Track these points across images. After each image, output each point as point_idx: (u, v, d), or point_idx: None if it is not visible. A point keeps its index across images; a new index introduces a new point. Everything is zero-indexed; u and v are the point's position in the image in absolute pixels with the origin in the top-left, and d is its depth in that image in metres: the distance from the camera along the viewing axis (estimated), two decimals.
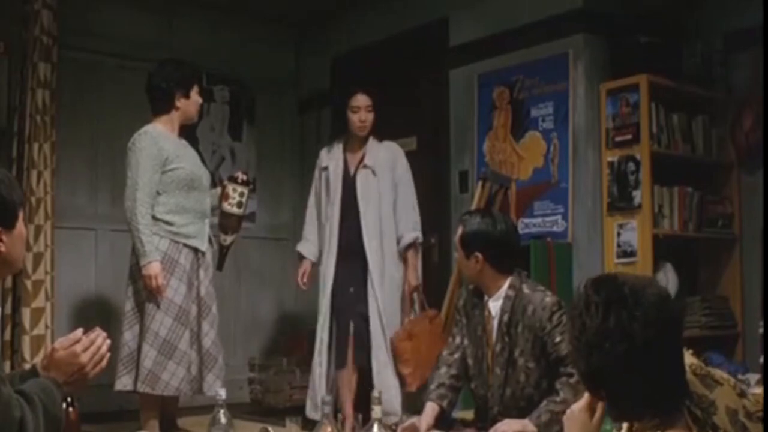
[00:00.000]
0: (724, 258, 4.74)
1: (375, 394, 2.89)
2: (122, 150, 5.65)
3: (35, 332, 4.90)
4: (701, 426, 1.74)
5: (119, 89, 5.68)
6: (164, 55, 5.81)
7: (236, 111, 6.29)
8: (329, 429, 2.70)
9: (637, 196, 4.35)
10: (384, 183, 4.47)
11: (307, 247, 4.63)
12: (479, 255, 3.26)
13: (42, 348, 4.87)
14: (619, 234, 4.40)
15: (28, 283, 4.87)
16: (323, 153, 4.65)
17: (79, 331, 2.12)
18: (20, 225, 2.11)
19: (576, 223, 4.65)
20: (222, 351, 4.34)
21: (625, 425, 1.92)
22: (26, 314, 4.90)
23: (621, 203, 4.41)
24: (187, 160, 4.29)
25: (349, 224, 4.44)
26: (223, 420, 2.75)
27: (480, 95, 5.18)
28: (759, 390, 2.15)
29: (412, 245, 4.50)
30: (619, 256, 4.38)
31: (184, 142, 4.41)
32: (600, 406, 1.90)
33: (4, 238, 2.05)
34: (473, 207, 4.67)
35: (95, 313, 5.50)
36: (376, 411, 2.85)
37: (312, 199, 4.67)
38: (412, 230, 4.50)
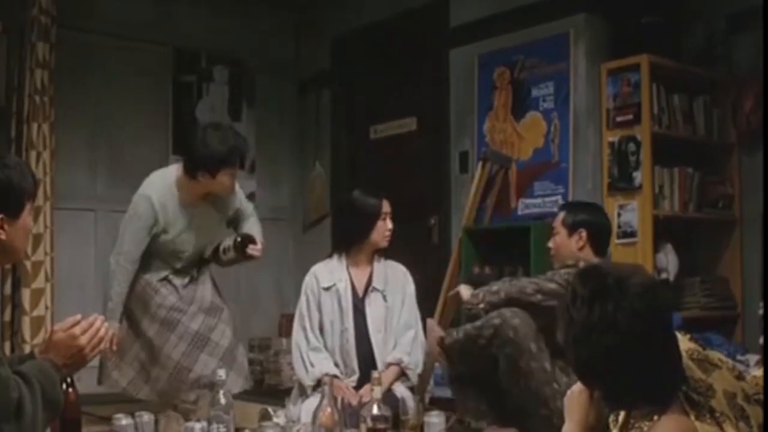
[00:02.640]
0: (724, 239, 4.73)
1: (375, 375, 2.90)
2: (121, 131, 5.69)
3: (35, 313, 4.92)
4: (699, 410, 1.75)
5: (118, 70, 5.67)
6: (164, 36, 5.84)
7: (236, 92, 6.27)
8: (329, 410, 2.71)
9: (638, 176, 4.33)
10: (394, 309, 3.81)
11: (327, 366, 3.68)
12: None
13: (42, 329, 4.89)
14: (619, 215, 4.39)
15: (28, 264, 4.88)
16: (320, 269, 3.85)
17: (78, 315, 2.13)
18: (26, 216, 2.09)
19: None
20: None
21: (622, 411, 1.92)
22: (26, 295, 4.92)
23: (621, 184, 4.40)
24: (185, 229, 3.82)
25: (363, 353, 3.74)
26: (222, 401, 2.76)
27: (480, 75, 5.16)
28: (758, 372, 2.14)
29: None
30: (619, 237, 4.37)
31: (198, 208, 3.83)
32: None
33: (6, 226, 2.03)
34: (473, 187, 4.67)
35: (94, 293, 5.49)
36: (377, 391, 2.86)
37: (306, 322, 3.78)
38: (407, 355, 3.75)
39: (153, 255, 3.84)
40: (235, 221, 4.02)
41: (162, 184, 3.78)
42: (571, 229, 3.47)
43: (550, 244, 3.61)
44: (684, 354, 1.81)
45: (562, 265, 3.50)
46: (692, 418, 1.73)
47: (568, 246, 3.48)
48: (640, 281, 1.75)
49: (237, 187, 3.91)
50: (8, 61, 5.19)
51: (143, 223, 3.74)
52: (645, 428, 1.79)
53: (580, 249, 3.46)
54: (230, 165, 3.70)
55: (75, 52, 5.45)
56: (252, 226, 4.00)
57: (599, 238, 3.51)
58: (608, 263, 1.87)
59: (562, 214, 3.56)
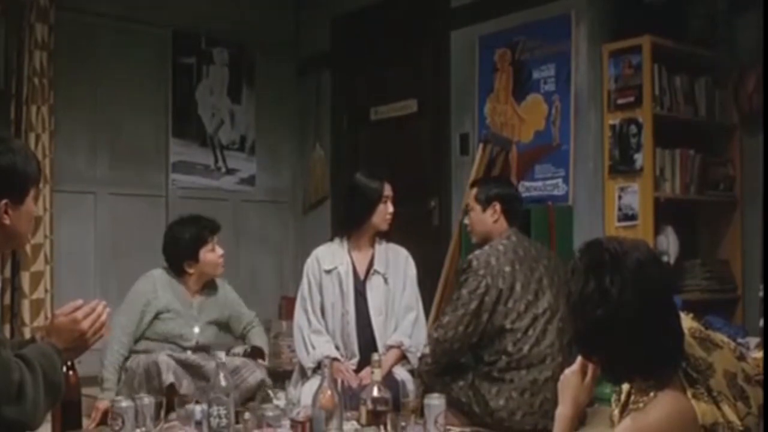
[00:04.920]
0: (725, 221, 4.73)
1: (375, 357, 2.90)
2: (121, 113, 5.67)
3: (35, 296, 4.92)
4: (696, 388, 1.76)
5: (118, 52, 5.65)
6: (163, 17, 5.80)
7: (235, 73, 6.24)
8: (329, 392, 2.71)
9: (639, 158, 4.32)
10: (395, 291, 3.82)
11: (328, 349, 3.69)
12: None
13: (42, 312, 4.89)
14: (620, 197, 4.39)
15: (27, 247, 4.86)
16: (322, 252, 3.85)
17: (80, 300, 2.13)
18: (29, 202, 2.09)
19: (577, 186, 4.63)
20: None
21: (625, 387, 1.94)
22: (25, 278, 4.92)
23: (622, 166, 4.39)
24: (180, 320, 3.84)
25: (364, 336, 3.76)
26: (222, 383, 2.76)
27: (481, 57, 5.14)
28: (758, 354, 2.15)
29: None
30: (620, 220, 4.37)
31: (198, 299, 3.93)
32: (591, 368, 1.94)
33: (10, 211, 2.03)
34: (474, 170, 4.66)
35: (94, 276, 5.51)
36: (376, 374, 2.86)
37: (308, 305, 3.79)
38: (408, 338, 3.76)
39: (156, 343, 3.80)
40: (239, 330, 4.09)
41: (164, 274, 3.91)
42: (485, 203, 3.71)
43: (466, 221, 3.87)
44: (686, 332, 1.83)
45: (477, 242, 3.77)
46: (689, 396, 1.74)
47: (484, 220, 3.72)
48: (637, 257, 1.78)
49: (232, 293, 4.09)
50: (7, 43, 5.16)
51: (141, 300, 3.80)
52: (641, 405, 1.80)
53: (495, 221, 3.69)
54: (207, 242, 3.89)
55: (74, 33, 5.42)
56: (259, 337, 4.08)
57: (511, 208, 3.74)
58: (612, 238, 1.88)
59: (474, 191, 3.80)
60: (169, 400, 3.05)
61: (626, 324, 1.74)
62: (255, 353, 3.91)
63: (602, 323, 1.75)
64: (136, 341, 3.80)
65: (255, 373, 3.67)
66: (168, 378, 3.52)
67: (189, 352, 3.77)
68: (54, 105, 5.08)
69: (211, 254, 3.90)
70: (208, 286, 3.99)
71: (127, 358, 3.76)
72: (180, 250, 3.86)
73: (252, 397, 3.54)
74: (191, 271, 3.88)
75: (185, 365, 3.63)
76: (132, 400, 2.74)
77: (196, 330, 3.88)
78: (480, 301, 3.51)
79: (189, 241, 3.86)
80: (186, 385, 3.57)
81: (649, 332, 1.75)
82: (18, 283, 4.94)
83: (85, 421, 3.27)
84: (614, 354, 1.80)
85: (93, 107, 5.57)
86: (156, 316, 3.81)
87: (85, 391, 2.89)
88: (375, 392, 2.82)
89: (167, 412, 2.92)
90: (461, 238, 4.56)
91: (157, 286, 3.85)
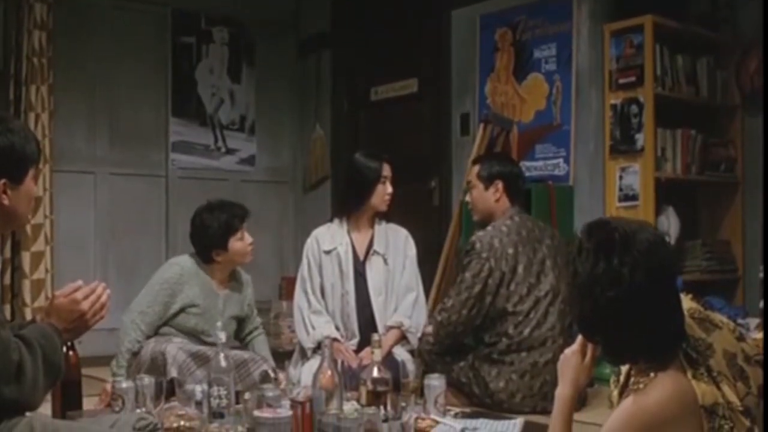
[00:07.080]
0: (725, 201, 4.72)
1: (375, 337, 2.90)
2: (120, 93, 5.65)
3: (35, 276, 4.93)
4: (696, 368, 1.75)
5: (116, 31, 5.63)
6: None
7: (235, 52, 6.22)
8: (329, 373, 2.72)
9: (640, 139, 4.31)
10: (395, 272, 3.80)
11: (328, 329, 3.68)
12: None
13: (42, 292, 4.90)
14: (621, 177, 4.38)
15: (28, 227, 4.87)
16: (322, 232, 3.85)
17: (80, 281, 2.12)
18: (29, 182, 2.08)
19: (578, 166, 4.63)
20: None
21: (624, 368, 1.94)
22: (26, 258, 4.93)
23: (623, 146, 4.38)
24: (206, 315, 3.73)
25: (364, 316, 3.76)
26: (223, 363, 2.76)
27: (482, 36, 5.11)
28: (758, 335, 2.15)
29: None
30: (620, 200, 4.36)
31: (224, 292, 3.83)
32: (591, 349, 1.93)
33: (9, 191, 2.02)
34: (474, 150, 4.65)
35: (94, 256, 5.51)
36: (376, 354, 2.87)
37: (308, 285, 3.81)
38: (408, 318, 3.75)
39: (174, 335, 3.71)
40: (245, 326, 3.96)
41: (192, 263, 3.78)
42: (487, 181, 3.68)
43: (467, 199, 3.83)
44: (685, 313, 1.82)
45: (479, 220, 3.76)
46: (689, 376, 1.74)
47: (486, 199, 3.70)
48: (646, 237, 1.76)
49: (252, 293, 3.96)
50: (6, 23, 5.14)
51: (168, 290, 3.68)
52: (642, 386, 1.79)
53: (497, 200, 3.68)
54: (237, 230, 3.76)
55: (73, 12, 5.40)
56: (264, 346, 3.95)
57: (514, 187, 3.72)
58: (617, 218, 1.86)
59: (476, 168, 3.75)
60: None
61: (636, 305, 1.72)
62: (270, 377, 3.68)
63: (612, 305, 1.73)
64: (159, 327, 3.69)
65: (261, 368, 3.60)
66: (171, 372, 3.45)
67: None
68: (53, 85, 5.07)
69: (240, 243, 3.78)
70: (235, 278, 3.90)
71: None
72: (209, 238, 3.72)
73: None
74: (219, 259, 3.75)
75: (196, 356, 3.53)
76: (132, 380, 2.74)
77: (221, 331, 3.24)
78: (483, 285, 3.51)
79: (218, 229, 3.72)
80: (191, 380, 3.43)
81: (655, 314, 1.74)
82: (18, 263, 4.94)
83: (93, 402, 3.27)
84: (619, 336, 1.78)
85: (92, 87, 5.56)
86: (182, 310, 3.70)
87: (86, 371, 2.89)
88: (375, 372, 2.81)
89: (168, 396, 2.92)
90: (461, 218, 4.56)
91: (183, 277, 3.72)
